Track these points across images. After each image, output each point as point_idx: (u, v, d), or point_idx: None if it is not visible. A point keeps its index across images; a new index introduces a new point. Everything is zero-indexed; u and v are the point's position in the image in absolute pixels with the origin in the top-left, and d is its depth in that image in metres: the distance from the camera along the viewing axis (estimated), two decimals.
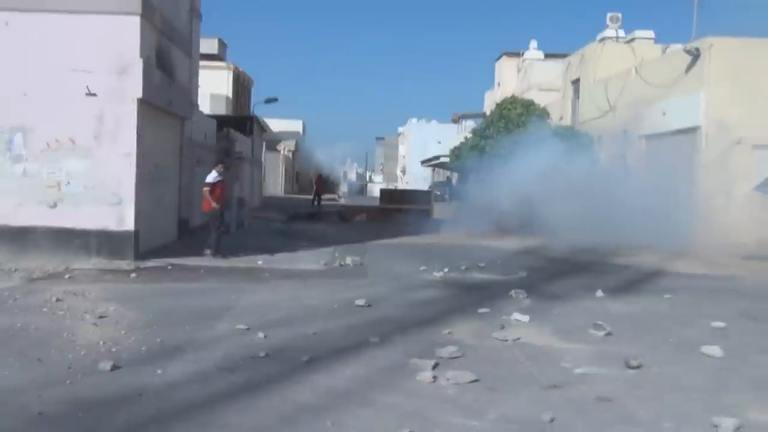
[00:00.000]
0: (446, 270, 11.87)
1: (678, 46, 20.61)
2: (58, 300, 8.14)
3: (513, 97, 26.17)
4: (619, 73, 22.52)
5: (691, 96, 17.81)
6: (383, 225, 22.62)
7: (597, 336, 7.19)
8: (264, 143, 37.55)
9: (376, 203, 28.73)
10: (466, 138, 27.27)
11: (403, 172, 77.39)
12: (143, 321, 7.27)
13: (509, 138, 21.85)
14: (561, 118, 27.27)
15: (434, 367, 5.67)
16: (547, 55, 38.80)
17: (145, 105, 11.60)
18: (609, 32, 25.49)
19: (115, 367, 5.46)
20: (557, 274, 12.19)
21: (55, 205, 11.33)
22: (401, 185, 66.61)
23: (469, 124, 42.47)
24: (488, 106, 39.81)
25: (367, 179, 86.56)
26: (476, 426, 4.49)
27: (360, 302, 8.49)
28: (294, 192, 55.44)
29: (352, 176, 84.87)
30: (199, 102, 21.96)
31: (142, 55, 11.26)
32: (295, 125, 62.41)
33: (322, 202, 34.77)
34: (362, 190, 67.32)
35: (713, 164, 17.10)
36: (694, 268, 13.35)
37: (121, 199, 11.37)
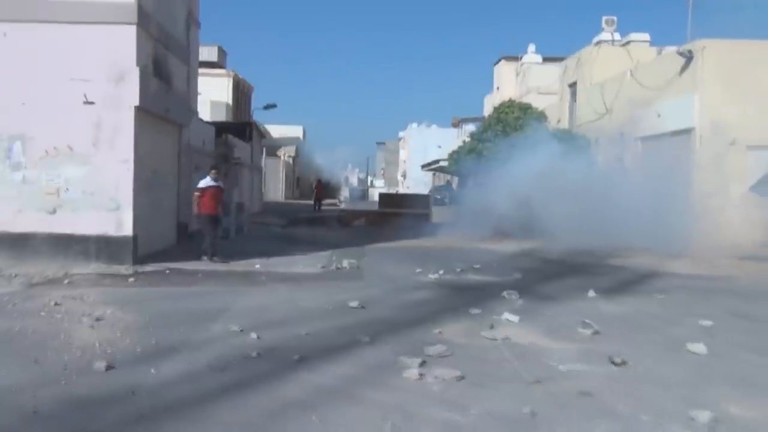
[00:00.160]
0: (441, 272, 11.99)
1: (673, 48, 20.77)
2: (56, 304, 8.28)
3: (510, 100, 26.38)
4: (614, 76, 22.68)
5: (685, 98, 17.96)
6: (382, 229, 22.75)
7: (584, 335, 7.31)
8: (264, 149, 37.75)
9: (376, 208, 28.89)
10: (464, 142, 27.46)
11: (404, 176, 77.62)
12: (139, 323, 7.40)
13: (506, 141, 22.02)
14: (559, 121, 27.44)
15: (421, 364, 5.80)
16: (546, 59, 39.02)
17: (142, 112, 11.77)
18: (605, 35, 25.70)
19: (109, 367, 5.60)
20: (551, 275, 12.30)
21: (54, 212, 11.50)
22: (402, 190, 66.79)
23: (469, 128, 42.63)
24: (488, 110, 39.99)
25: (369, 184, 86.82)
26: (458, 420, 4.61)
27: (353, 304, 8.62)
28: (295, 197, 55.62)
29: (354, 181, 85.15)
30: (200, 109, 22.19)
31: (138, 63, 11.44)
32: (296, 131, 62.69)
33: (323, 207, 34.95)
34: (364, 195, 67.51)
35: (708, 165, 17.21)
36: (688, 269, 13.44)
37: (120, 205, 11.53)
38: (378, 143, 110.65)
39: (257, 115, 42.00)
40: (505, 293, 9.61)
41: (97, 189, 11.48)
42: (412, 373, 5.56)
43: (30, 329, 6.95)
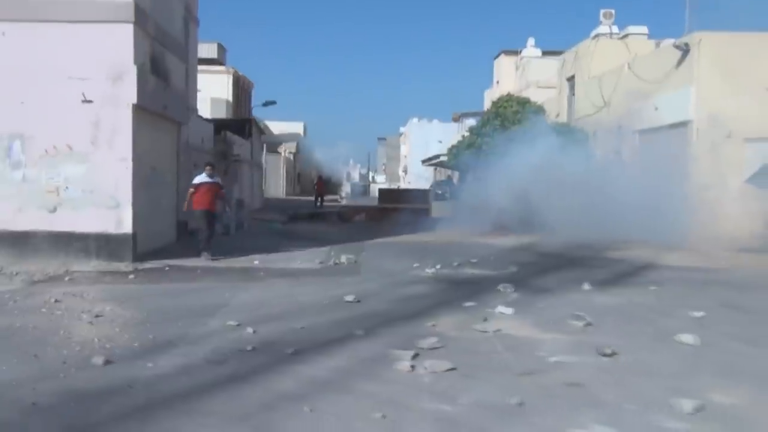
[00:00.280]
0: (438, 266, 12.09)
1: (671, 41, 20.79)
2: (56, 301, 8.40)
3: (509, 95, 26.40)
4: (612, 69, 22.71)
5: (682, 90, 18.00)
6: (381, 224, 22.85)
7: (576, 326, 7.41)
8: (264, 146, 37.85)
9: (376, 203, 29.00)
10: (463, 137, 27.51)
11: (405, 171, 77.66)
12: (138, 319, 7.53)
13: (505, 135, 22.07)
14: (557, 115, 27.49)
15: (413, 357, 5.90)
16: (545, 53, 38.97)
17: (140, 110, 11.87)
18: (603, 29, 25.69)
19: (107, 362, 5.71)
20: (548, 268, 12.40)
21: (54, 210, 11.61)
22: (403, 185, 66.85)
23: (470, 122, 42.68)
24: (488, 104, 39.99)
25: (370, 180, 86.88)
26: (447, 410, 4.72)
27: (349, 298, 8.73)
28: (296, 193, 55.71)
29: (356, 177, 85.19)
30: (200, 106, 22.29)
31: (136, 61, 11.53)
32: (296, 127, 62.71)
33: (324, 204, 35.03)
34: (366, 190, 67.55)
35: (705, 158, 17.26)
36: (685, 261, 13.53)
37: (119, 203, 11.64)
38: (379, 138, 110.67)
39: (257, 112, 42.12)
40: (500, 286, 9.71)
41: (97, 187, 11.59)
42: (404, 365, 5.67)
43: (30, 325, 7.07)
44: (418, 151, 65.47)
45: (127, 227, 11.68)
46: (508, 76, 42.12)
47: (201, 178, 12.92)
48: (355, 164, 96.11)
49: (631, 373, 5.72)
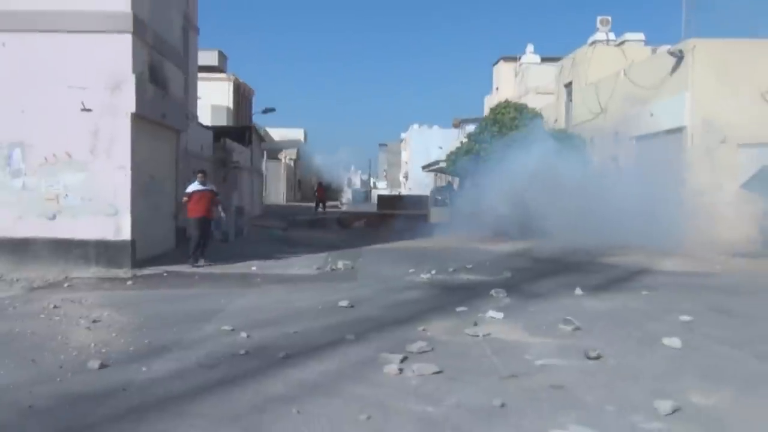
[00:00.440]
0: (433, 272, 12.23)
1: (666, 48, 20.94)
2: (55, 307, 8.55)
3: (506, 101, 26.57)
4: (608, 76, 22.87)
5: (677, 97, 18.15)
6: (380, 230, 23.02)
7: (565, 331, 7.53)
8: (265, 152, 38.04)
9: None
10: (461, 143, 27.68)
11: (406, 177, 77.80)
12: (134, 324, 7.67)
13: (502, 141, 22.23)
14: (555, 121, 27.65)
15: (402, 360, 6.03)
16: (544, 59, 39.19)
17: (138, 119, 12.05)
18: (599, 35, 25.87)
19: (103, 366, 5.85)
20: (542, 274, 12.51)
21: (54, 217, 11.78)
22: (404, 191, 66.97)
23: (471, 128, 42.88)
24: (488, 110, 40.23)
25: (371, 186, 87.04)
26: (431, 411, 4.85)
27: (343, 303, 8.86)
28: (296, 200, 55.88)
29: (357, 183, 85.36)
30: (200, 113, 22.47)
31: (134, 71, 11.72)
32: (297, 133, 62.97)
33: (326, 209, 35.14)
34: (367, 196, 67.69)
35: (700, 163, 17.38)
36: (679, 266, 13.64)
37: (118, 210, 11.81)
38: (380, 144, 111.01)
39: (258, 119, 42.34)
40: (492, 292, 9.83)
41: (96, 195, 11.76)
42: (392, 368, 5.80)
43: (29, 331, 7.22)
44: (418, 157, 65.58)
45: (125, 234, 11.84)
46: (508, 83, 42.36)
47: (193, 187, 13.04)
48: (356, 170, 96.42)
49: (614, 375, 5.84)
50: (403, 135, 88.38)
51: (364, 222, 26.73)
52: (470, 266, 13.17)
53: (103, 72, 11.62)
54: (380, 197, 31.56)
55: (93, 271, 11.65)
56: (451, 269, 12.68)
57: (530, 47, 40.83)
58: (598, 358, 6.30)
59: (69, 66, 11.64)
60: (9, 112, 11.65)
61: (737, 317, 8.62)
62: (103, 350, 6.45)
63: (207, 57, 36.52)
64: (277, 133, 55.03)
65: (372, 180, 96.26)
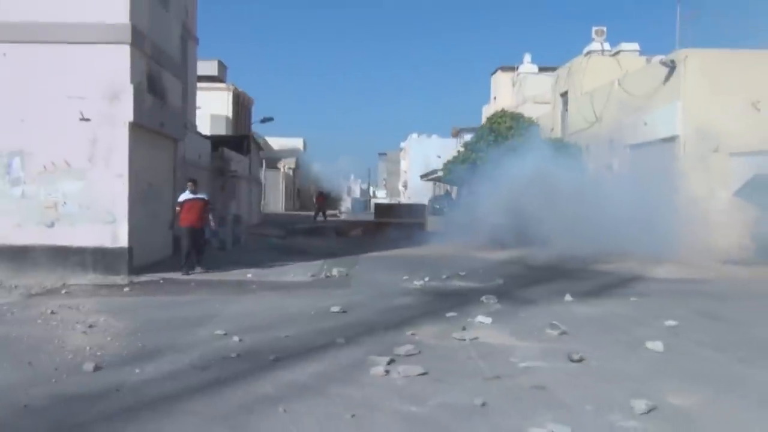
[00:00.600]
0: (427, 279, 12.38)
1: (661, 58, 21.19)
2: (52, 312, 8.70)
3: (503, 110, 26.82)
4: (603, 85, 23.11)
5: (669, 106, 18.35)
6: (377, 239, 23.16)
7: (551, 335, 7.68)
8: (264, 161, 38.25)
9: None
10: (458, 152, 27.90)
11: (405, 186, 78.02)
12: (129, 329, 7.82)
13: (498, 150, 22.42)
14: (552, 130, 27.87)
15: (389, 363, 6.18)
16: (542, 69, 39.48)
17: (136, 128, 12.23)
18: (595, 45, 26.14)
19: (97, 368, 6.01)
20: (534, 281, 12.65)
21: (52, 225, 11.95)
22: (404, 200, 67.15)
23: (469, 138, 43.11)
24: (485, 120, 40.48)
25: (371, 195, 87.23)
26: (414, 411, 5.00)
27: (336, 309, 9.01)
28: (295, 209, 56.02)
29: (356, 192, 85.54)
30: (200, 122, 22.71)
31: (132, 81, 11.92)
32: (296, 143, 63.23)
33: (327, 218, 35.23)
34: (367, 205, 67.80)
35: (693, 171, 17.56)
36: (670, 274, 13.79)
37: (115, 218, 11.97)
38: (380, 154, 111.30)
39: (257, 128, 42.59)
40: (483, 298, 9.98)
41: (94, 203, 11.93)
42: (379, 370, 5.95)
43: (26, 335, 7.37)
44: (417, 166, 65.81)
45: (123, 242, 12.00)
46: (506, 92, 42.63)
47: (184, 196, 13.10)
48: (356, 179, 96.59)
49: (596, 377, 5.99)
50: (402, 144, 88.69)
51: (361, 230, 26.87)
52: (463, 273, 13.31)
53: (102, 82, 11.81)
54: (377, 206, 31.71)
55: (90, 278, 11.80)
56: (444, 276, 12.83)
57: (528, 57, 41.13)
58: (581, 360, 6.45)
59: (68, 76, 11.84)
60: (9, 121, 11.84)
61: (724, 322, 8.78)
62: (98, 353, 6.60)
63: (207, 67, 36.84)
64: (276, 142, 55.31)
65: (372, 189, 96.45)
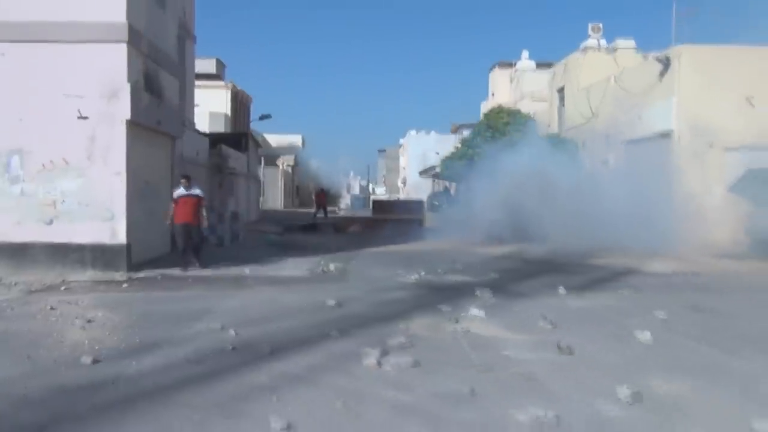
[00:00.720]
0: (422, 273, 12.50)
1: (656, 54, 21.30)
2: (52, 308, 8.81)
3: (500, 106, 26.95)
4: (600, 81, 23.23)
5: (664, 102, 18.47)
6: (375, 235, 23.25)
7: (543, 327, 7.79)
8: (262, 158, 38.34)
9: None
10: (456, 148, 28.02)
11: (404, 183, 78.15)
12: (127, 323, 7.94)
13: (495, 146, 22.55)
14: (549, 126, 27.99)
15: (382, 354, 6.29)
16: (539, 65, 39.59)
17: (134, 126, 12.34)
18: (591, 42, 26.23)
19: (95, 361, 6.13)
20: (529, 275, 12.77)
21: (51, 222, 12.07)
22: (402, 196, 67.26)
23: (468, 134, 43.24)
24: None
25: (370, 191, 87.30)
26: (403, 399, 5.13)
27: (331, 302, 9.13)
28: (294, 206, 56.15)
29: (356, 189, 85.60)
30: (198, 120, 22.79)
31: (129, 79, 12.03)
32: (294, 140, 63.30)
33: (327, 214, 35.32)
34: (366, 202, 67.85)
35: (688, 166, 17.71)
36: (665, 268, 13.89)
37: (114, 215, 12.09)
38: (379, 150, 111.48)
39: (256, 125, 42.68)
40: (477, 291, 10.09)
41: (92, 200, 12.05)
42: (371, 361, 6.07)
43: (25, 330, 7.49)
44: (416, 162, 66.05)
45: (121, 238, 12.11)
46: (503, 88, 42.76)
47: (178, 192, 13.13)
48: (355, 176, 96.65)
49: (583, 367, 6.11)
50: (401, 141, 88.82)
51: (360, 226, 26.98)
52: (459, 268, 13.43)
53: (100, 81, 11.92)
54: (375, 202, 31.85)
55: (89, 275, 11.92)
56: (440, 271, 12.96)
57: (525, 53, 41.23)
58: (569, 351, 6.57)
59: (66, 75, 11.95)
60: (8, 120, 11.95)
61: (713, 315, 8.90)
62: (96, 347, 6.72)
63: (205, 65, 36.91)
64: (274, 140, 55.38)
65: (371, 185, 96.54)
